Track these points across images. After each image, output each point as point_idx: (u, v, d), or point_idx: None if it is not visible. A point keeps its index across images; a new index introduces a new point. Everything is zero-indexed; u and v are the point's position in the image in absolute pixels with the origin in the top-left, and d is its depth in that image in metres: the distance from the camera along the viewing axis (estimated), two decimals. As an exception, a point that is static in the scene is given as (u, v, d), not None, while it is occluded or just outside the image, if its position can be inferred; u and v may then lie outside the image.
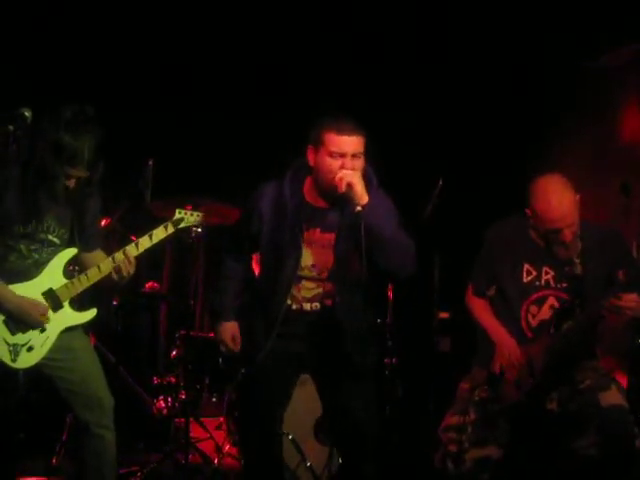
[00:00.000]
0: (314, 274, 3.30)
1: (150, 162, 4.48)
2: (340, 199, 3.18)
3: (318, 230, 3.28)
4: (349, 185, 3.11)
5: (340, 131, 3.13)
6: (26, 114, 2.90)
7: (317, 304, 3.32)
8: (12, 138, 2.90)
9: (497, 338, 3.53)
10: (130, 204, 4.65)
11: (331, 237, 3.28)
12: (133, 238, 3.43)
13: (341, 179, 3.12)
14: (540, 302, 3.51)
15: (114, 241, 4.75)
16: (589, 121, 5.73)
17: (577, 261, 3.44)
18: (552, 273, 3.50)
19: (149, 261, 5.85)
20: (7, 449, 4.17)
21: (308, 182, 3.31)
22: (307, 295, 3.32)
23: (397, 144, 6.00)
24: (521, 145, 5.80)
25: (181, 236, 4.62)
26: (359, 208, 3.09)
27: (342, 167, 3.13)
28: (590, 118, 5.72)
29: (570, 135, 5.85)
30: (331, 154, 3.15)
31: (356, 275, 3.23)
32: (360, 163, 3.18)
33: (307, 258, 3.29)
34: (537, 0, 5.28)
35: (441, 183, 4.48)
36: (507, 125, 5.81)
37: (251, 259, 3.66)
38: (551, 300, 3.50)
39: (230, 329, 3.50)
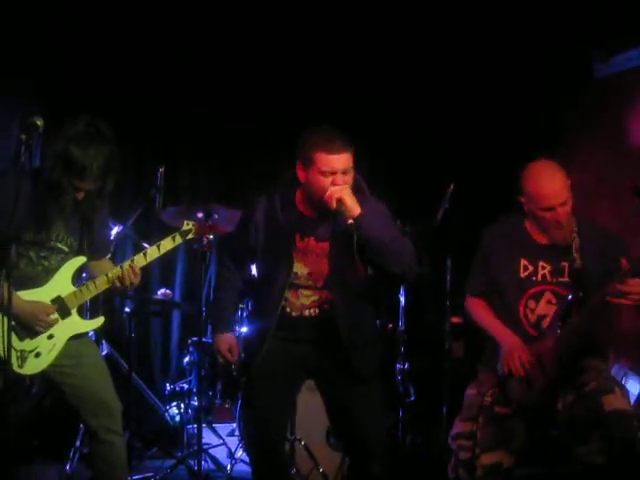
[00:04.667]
0: (310, 282, 3.34)
1: (161, 168, 4.48)
2: (333, 214, 3.22)
3: (312, 239, 3.32)
4: (339, 200, 3.15)
5: (330, 151, 3.15)
6: (38, 123, 2.89)
7: (316, 309, 3.35)
8: (24, 147, 2.89)
9: (501, 338, 3.48)
10: (142, 210, 4.64)
11: (325, 246, 3.31)
12: (145, 245, 3.44)
13: (331, 196, 3.16)
14: (537, 297, 3.48)
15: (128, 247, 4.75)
16: (601, 124, 5.71)
17: (576, 255, 3.42)
18: (549, 268, 3.47)
19: (161, 268, 5.86)
20: (20, 455, 4.19)
21: (299, 194, 3.34)
22: (305, 302, 3.35)
23: (409, 148, 6.00)
24: (533, 149, 5.77)
25: (192, 243, 4.62)
26: (351, 221, 3.13)
27: (333, 183, 3.17)
28: (602, 121, 5.70)
29: (583, 138, 5.83)
30: (322, 173, 3.18)
31: (355, 282, 3.29)
32: (350, 177, 3.22)
33: (303, 267, 3.32)
34: (541, 6, 5.28)
35: (452, 187, 4.47)
36: (519, 129, 5.78)
37: (248, 270, 3.65)
38: (548, 295, 3.47)
39: (226, 340, 3.50)
